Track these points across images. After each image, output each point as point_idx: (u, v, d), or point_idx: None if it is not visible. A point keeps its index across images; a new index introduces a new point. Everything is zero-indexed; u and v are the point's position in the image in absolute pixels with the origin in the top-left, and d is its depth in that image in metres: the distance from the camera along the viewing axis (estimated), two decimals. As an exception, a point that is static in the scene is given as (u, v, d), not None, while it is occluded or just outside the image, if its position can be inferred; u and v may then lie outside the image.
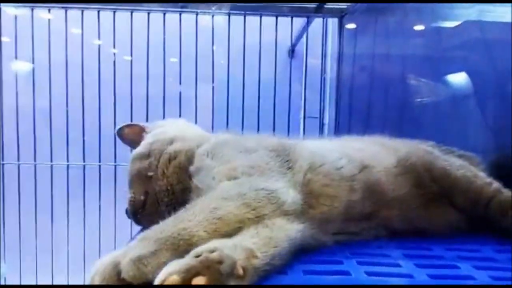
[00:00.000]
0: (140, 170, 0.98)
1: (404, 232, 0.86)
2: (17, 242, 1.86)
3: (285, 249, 0.64)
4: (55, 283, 1.90)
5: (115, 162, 1.80)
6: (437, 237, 0.84)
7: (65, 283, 1.90)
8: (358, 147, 0.98)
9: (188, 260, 0.54)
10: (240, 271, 0.55)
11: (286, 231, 0.67)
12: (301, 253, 0.70)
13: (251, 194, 0.71)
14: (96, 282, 0.56)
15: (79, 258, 1.84)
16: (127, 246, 0.61)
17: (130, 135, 1.11)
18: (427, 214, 0.89)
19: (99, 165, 1.81)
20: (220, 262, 0.53)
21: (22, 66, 1.81)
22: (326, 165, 0.87)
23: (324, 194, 0.82)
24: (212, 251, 0.55)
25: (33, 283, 1.90)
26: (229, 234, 0.64)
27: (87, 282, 0.57)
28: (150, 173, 0.95)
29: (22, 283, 1.91)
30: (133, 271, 0.55)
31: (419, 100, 1.69)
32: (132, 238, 0.87)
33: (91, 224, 1.82)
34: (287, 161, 0.86)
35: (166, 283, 0.50)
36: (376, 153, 0.97)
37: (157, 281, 0.52)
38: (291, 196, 0.75)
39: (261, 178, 0.77)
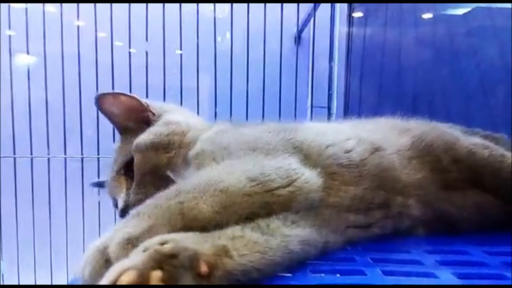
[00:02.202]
0: (158, 165, 0.84)
1: (427, 221, 0.79)
2: (14, 237, 1.80)
3: (276, 260, 0.54)
4: (54, 277, 1.84)
5: (114, 154, 1.73)
6: (470, 234, 0.77)
7: (64, 277, 1.84)
8: (367, 128, 0.91)
9: (136, 256, 0.44)
10: (203, 268, 0.45)
11: (283, 239, 0.57)
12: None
13: (256, 169, 0.63)
14: (86, 273, 0.47)
15: (78, 251, 1.78)
16: (118, 224, 0.53)
17: (122, 107, 0.92)
18: (450, 198, 0.81)
19: (98, 158, 1.74)
20: (173, 255, 0.44)
21: (20, 60, 1.74)
22: (333, 148, 0.79)
23: (331, 185, 0.73)
24: (163, 243, 0.46)
25: (32, 278, 1.84)
26: (236, 212, 0.57)
27: (79, 272, 0.49)
28: (170, 173, 0.82)
29: (20, 278, 1.86)
30: (123, 255, 0.47)
31: (431, 88, 1.63)
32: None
33: (90, 217, 1.76)
34: (290, 139, 0.78)
35: (120, 282, 0.41)
36: (387, 134, 0.89)
37: (106, 281, 0.42)
38: (306, 174, 0.67)
39: (267, 157, 0.70)
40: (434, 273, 0.58)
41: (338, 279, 0.58)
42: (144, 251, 0.45)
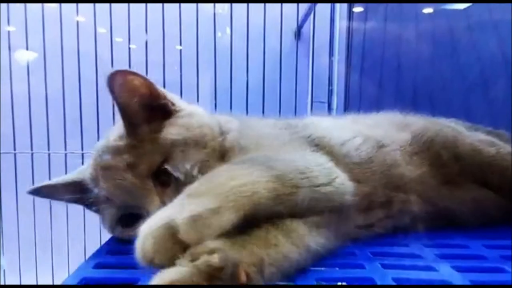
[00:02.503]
0: (199, 163, 0.70)
1: (427, 216, 0.78)
2: (15, 234, 1.79)
3: (291, 273, 0.54)
4: (55, 276, 1.84)
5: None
6: (469, 228, 0.77)
7: (66, 274, 1.83)
8: (367, 124, 0.90)
9: (184, 267, 0.45)
10: (243, 279, 0.45)
11: (306, 253, 0.57)
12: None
13: (302, 162, 0.62)
14: (149, 245, 0.46)
15: (79, 249, 1.78)
16: (177, 202, 0.51)
17: (137, 91, 0.73)
18: (450, 193, 0.81)
19: (98, 154, 1.74)
20: (221, 268, 0.44)
21: (20, 55, 1.74)
22: (347, 146, 0.79)
23: None
24: (212, 252, 0.46)
25: (33, 275, 1.84)
26: (284, 203, 0.55)
27: (138, 246, 0.47)
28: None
29: (21, 276, 1.86)
30: (193, 232, 0.46)
31: (432, 82, 1.63)
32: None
33: (91, 214, 1.76)
34: (309, 136, 0.78)
35: None
36: (387, 130, 0.88)
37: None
38: (341, 175, 0.67)
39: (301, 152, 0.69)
40: (434, 266, 0.58)
41: (337, 272, 0.58)
42: (192, 260, 0.45)
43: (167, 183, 0.69)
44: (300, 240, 0.57)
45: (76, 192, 0.78)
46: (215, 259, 0.45)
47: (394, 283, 0.53)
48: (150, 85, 0.74)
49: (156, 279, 0.44)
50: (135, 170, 0.69)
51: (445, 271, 0.56)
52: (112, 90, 0.71)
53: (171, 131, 0.73)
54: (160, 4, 1.63)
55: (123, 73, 0.71)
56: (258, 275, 0.48)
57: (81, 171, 0.79)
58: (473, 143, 0.85)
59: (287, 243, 0.55)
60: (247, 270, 0.47)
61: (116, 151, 0.72)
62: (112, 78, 0.69)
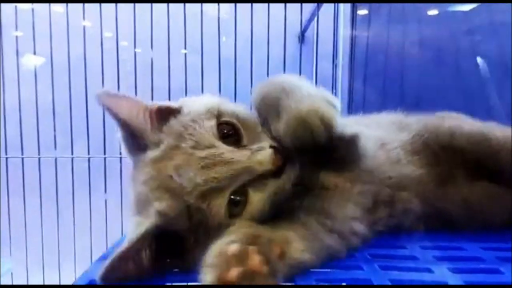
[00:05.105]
0: None
1: (425, 218, 0.79)
2: (23, 237, 1.81)
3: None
4: (62, 277, 1.86)
5: (120, 154, 1.74)
6: (467, 230, 0.77)
7: (72, 277, 1.85)
8: (368, 123, 0.91)
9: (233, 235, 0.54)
10: (277, 250, 0.53)
11: (319, 251, 0.60)
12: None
13: None
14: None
15: (85, 251, 1.80)
16: None
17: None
18: (450, 194, 0.80)
19: (104, 158, 1.76)
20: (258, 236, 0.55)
21: (27, 60, 1.76)
22: None
23: None
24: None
25: (40, 277, 1.86)
26: None
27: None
28: None
29: (29, 277, 1.88)
30: None
31: (435, 87, 1.63)
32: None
33: (97, 217, 1.78)
34: None
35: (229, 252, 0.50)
36: (388, 130, 0.89)
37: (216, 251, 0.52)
38: None
39: None
40: (430, 268, 0.59)
41: (336, 273, 0.59)
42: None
43: None
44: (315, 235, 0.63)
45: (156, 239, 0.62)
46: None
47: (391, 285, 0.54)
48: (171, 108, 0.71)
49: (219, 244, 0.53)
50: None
51: (442, 273, 0.57)
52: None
53: None
54: (165, 9, 1.65)
55: (106, 95, 0.68)
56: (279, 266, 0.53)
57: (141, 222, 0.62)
58: (480, 128, 0.84)
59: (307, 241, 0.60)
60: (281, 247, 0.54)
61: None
62: (98, 99, 0.66)
